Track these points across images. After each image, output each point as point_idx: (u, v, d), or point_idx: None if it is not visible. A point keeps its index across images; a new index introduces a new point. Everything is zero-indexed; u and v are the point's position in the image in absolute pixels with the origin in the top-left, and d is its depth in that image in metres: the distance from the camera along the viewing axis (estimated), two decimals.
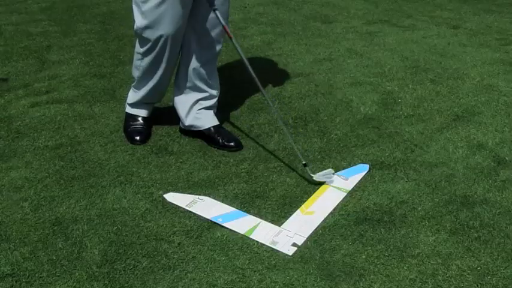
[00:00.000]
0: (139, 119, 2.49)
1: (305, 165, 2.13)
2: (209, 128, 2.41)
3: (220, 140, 2.38)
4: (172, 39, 2.22)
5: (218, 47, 2.39)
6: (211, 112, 2.46)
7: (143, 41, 2.25)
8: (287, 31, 3.96)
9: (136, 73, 2.39)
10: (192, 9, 2.22)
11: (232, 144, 2.37)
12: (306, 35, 3.87)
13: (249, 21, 4.20)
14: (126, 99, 2.54)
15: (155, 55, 2.27)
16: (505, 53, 3.56)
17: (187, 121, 2.42)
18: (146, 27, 2.19)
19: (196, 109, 2.42)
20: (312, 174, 2.12)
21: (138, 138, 2.42)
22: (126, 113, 2.52)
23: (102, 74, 3.17)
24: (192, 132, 2.46)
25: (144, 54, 2.29)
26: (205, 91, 2.42)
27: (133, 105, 2.49)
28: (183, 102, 2.42)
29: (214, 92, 2.45)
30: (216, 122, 2.44)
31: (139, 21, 2.21)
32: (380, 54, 3.51)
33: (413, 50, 3.59)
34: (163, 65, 2.31)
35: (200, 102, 2.42)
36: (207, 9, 2.20)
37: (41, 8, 4.46)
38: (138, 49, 2.31)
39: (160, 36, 2.19)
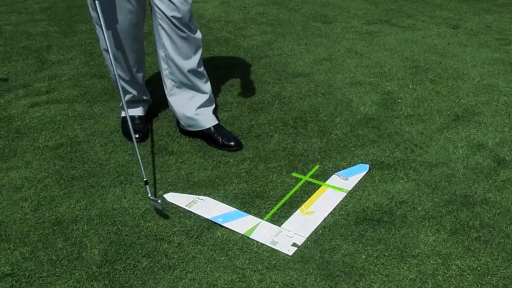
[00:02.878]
0: (136, 117, 2.50)
1: (145, 182, 1.99)
2: (209, 128, 2.41)
3: (220, 140, 2.38)
4: (122, 34, 2.23)
5: (191, 34, 2.24)
6: (210, 111, 2.44)
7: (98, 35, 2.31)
8: (287, 31, 3.96)
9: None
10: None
11: (232, 143, 2.37)
12: (306, 35, 3.87)
13: (249, 21, 4.20)
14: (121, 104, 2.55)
15: (106, 50, 2.28)
16: (505, 53, 3.56)
17: (186, 121, 2.41)
18: (96, 23, 2.25)
19: (194, 108, 2.39)
20: (149, 195, 1.97)
21: (137, 136, 2.43)
22: (121, 117, 2.55)
23: (102, 74, 3.17)
24: (191, 133, 2.46)
25: (103, 50, 2.34)
26: (194, 87, 2.36)
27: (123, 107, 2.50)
28: (176, 102, 2.40)
29: (203, 85, 2.39)
30: (215, 121, 2.43)
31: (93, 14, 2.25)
32: (380, 54, 3.51)
33: (413, 50, 3.59)
34: (119, 60, 2.32)
35: (194, 98, 2.38)
36: None
37: (41, 8, 4.46)
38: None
39: (108, 31, 2.21)
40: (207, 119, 2.42)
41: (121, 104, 2.50)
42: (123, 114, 2.53)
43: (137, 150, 2.03)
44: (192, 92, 2.38)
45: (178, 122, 2.50)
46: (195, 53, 2.29)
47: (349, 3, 4.75)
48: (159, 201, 1.91)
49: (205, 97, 2.41)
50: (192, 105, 2.39)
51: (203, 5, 4.69)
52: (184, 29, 2.19)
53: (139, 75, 2.47)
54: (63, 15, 4.24)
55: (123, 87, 2.40)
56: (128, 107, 2.48)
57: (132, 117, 2.49)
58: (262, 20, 4.24)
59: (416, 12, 4.52)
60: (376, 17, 4.35)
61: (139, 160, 2.01)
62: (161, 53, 2.28)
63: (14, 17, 4.19)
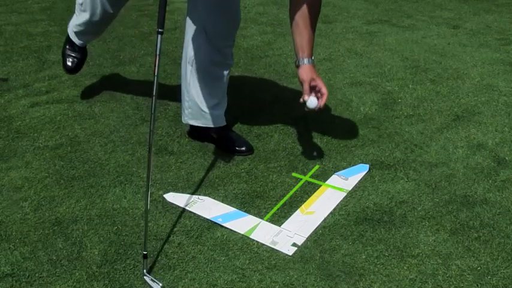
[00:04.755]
0: (77, 48, 2.67)
1: (144, 256, 1.67)
2: (218, 129, 2.37)
3: (231, 144, 2.35)
4: None
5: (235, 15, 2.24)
6: (223, 110, 2.38)
7: None
8: (287, 31, 3.96)
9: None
10: None
11: (243, 148, 2.34)
12: None
13: (249, 21, 4.20)
14: (72, 25, 2.63)
15: None
16: (505, 53, 3.56)
17: (195, 113, 2.31)
18: None
19: (210, 101, 2.30)
20: (145, 270, 1.67)
21: (70, 64, 2.66)
22: (68, 36, 2.68)
23: (102, 74, 3.17)
24: (200, 137, 2.42)
25: None
26: (218, 75, 2.27)
27: (77, 33, 2.62)
28: (194, 87, 2.27)
29: (225, 77, 2.31)
30: (224, 122, 2.39)
31: None
32: (380, 54, 3.51)
33: (413, 50, 3.59)
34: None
35: (212, 91, 2.29)
36: None
37: (41, 8, 4.46)
38: None
39: None
40: (219, 118, 2.35)
41: (73, 28, 2.62)
42: (70, 32, 2.67)
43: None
44: (214, 81, 2.28)
45: (185, 122, 2.41)
46: (232, 34, 2.25)
47: (349, 3, 4.75)
48: (159, 285, 1.62)
49: (223, 90, 2.33)
50: (208, 97, 2.29)
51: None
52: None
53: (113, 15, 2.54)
54: (63, 15, 4.24)
55: (87, 19, 2.48)
56: (78, 35, 2.63)
57: (72, 43, 2.68)
58: (262, 20, 4.24)
59: (416, 12, 4.52)
60: (376, 17, 4.35)
61: (146, 227, 1.70)
62: (195, 32, 2.18)
63: (14, 17, 4.19)
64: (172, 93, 2.88)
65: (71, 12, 2.69)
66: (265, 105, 2.81)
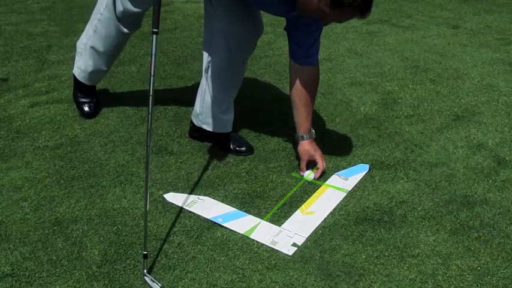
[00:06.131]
0: (88, 91, 2.62)
1: (145, 256, 1.67)
2: (225, 133, 2.36)
3: (231, 145, 2.35)
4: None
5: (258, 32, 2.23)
6: (231, 116, 2.38)
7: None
8: None
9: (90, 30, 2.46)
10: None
11: (243, 149, 2.34)
12: None
13: None
14: (78, 66, 2.56)
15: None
16: (505, 53, 3.56)
17: (205, 117, 2.32)
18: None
19: (222, 107, 2.32)
20: (145, 270, 1.67)
21: (88, 110, 2.60)
22: (76, 81, 2.61)
23: None
24: (200, 138, 2.42)
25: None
26: (234, 80, 2.30)
27: (89, 73, 2.55)
28: (211, 94, 2.28)
29: (239, 83, 2.35)
30: (232, 127, 2.39)
31: None
32: (380, 54, 3.51)
33: (413, 50, 3.59)
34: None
35: (225, 97, 2.31)
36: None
37: (41, 8, 4.46)
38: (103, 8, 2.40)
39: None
40: (230, 123, 2.37)
41: (82, 69, 2.55)
42: (80, 76, 2.58)
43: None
44: (229, 88, 2.30)
45: (191, 122, 2.44)
46: (255, 43, 2.25)
47: None
48: (158, 285, 1.63)
49: (233, 97, 2.35)
50: (222, 103, 2.31)
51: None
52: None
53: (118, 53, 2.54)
54: (63, 15, 4.24)
55: (96, 53, 2.45)
56: (89, 75, 2.56)
57: (82, 88, 2.61)
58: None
59: (416, 12, 4.52)
60: (376, 17, 4.35)
61: (146, 229, 1.72)
62: (214, 39, 2.16)
63: (14, 17, 4.19)
64: (172, 93, 2.89)
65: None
66: (265, 105, 2.81)
